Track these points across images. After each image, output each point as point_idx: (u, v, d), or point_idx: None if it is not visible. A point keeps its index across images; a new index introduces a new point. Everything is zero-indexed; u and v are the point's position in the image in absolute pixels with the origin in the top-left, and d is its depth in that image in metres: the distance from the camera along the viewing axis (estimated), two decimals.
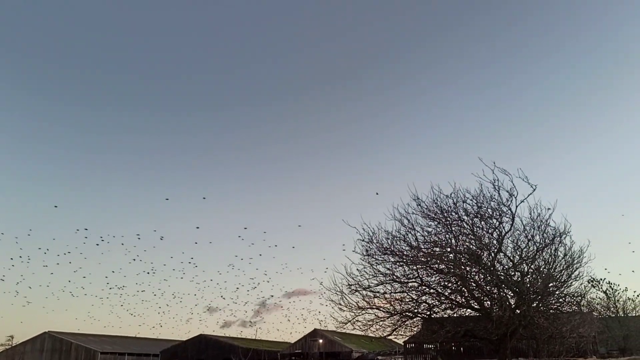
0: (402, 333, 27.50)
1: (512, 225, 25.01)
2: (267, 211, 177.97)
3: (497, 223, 25.13)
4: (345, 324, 25.93)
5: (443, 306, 26.46)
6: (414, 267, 25.71)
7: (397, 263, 26.11)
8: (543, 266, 25.29)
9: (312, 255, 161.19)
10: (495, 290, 25.37)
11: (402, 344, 71.45)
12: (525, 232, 25.40)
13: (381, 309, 25.95)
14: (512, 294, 25.45)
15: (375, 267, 26.20)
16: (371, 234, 26.40)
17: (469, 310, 26.61)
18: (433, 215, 26.08)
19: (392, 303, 26.09)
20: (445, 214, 25.92)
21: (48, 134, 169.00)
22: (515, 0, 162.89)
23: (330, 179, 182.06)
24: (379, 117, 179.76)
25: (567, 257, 25.66)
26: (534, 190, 24.12)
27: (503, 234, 25.13)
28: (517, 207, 24.61)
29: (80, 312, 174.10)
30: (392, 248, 26.11)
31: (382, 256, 26.36)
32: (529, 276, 25.12)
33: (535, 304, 25.00)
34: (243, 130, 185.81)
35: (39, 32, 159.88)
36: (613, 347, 64.94)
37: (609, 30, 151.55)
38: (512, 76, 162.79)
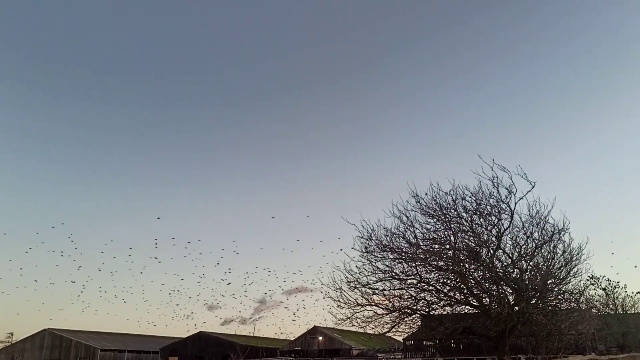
0: (402, 330, 27.57)
1: (511, 222, 25.04)
2: (266, 209, 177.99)
3: (496, 220, 25.14)
4: (344, 320, 25.98)
5: (442, 303, 26.48)
6: (413, 264, 25.72)
7: (396, 260, 26.12)
8: (542, 263, 25.30)
9: (311, 253, 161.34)
10: (494, 287, 25.39)
11: (402, 341, 71.65)
12: (524, 229, 25.43)
13: (380, 305, 25.97)
14: (510, 291, 25.47)
15: (374, 264, 26.24)
16: (370, 231, 26.45)
17: (467, 307, 26.65)
18: (432, 212, 26.08)
19: (391, 300, 26.11)
20: (444, 211, 25.92)
21: (48, 131, 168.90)
22: None
23: (329, 177, 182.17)
24: (377, 115, 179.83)
25: (566, 254, 25.69)
26: (533, 187, 24.16)
27: (502, 230, 25.13)
28: (516, 204, 24.65)
29: (80, 309, 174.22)
30: (391, 245, 26.12)
31: (381, 253, 26.38)
32: (527, 273, 25.13)
33: (534, 301, 25.03)
34: (243, 128, 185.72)
35: (39, 29, 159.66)
36: (612, 344, 65.07)
37: (609, 28, 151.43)
38: (512, 73, 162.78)
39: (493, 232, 25.31)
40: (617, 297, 65.87)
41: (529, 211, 25.26)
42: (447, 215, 25.89)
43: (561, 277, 25.92)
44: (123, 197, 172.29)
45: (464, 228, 25.70)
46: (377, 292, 26.04)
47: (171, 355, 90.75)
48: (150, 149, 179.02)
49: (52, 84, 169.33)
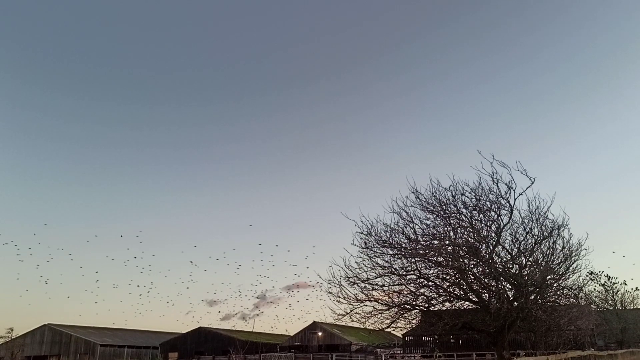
0: (401, 325, 27.55)
1: (510, 218, 25.01)
2: (265, 205, 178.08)
3: (496, 216, 25.11)
4: (344, 316, 25.99)
5: (441, 299, 26.49)
6: (413, 260, 25.70)
7: (396, 255, 26.10)
8: (541, 259, 25.32)
9: (311, 248, 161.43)
10: (493, 283, 25.40)
11: (401, 336, 71.79)
12: (524, 224, 25.42)
13: (379, 301, 25.98)
14: (510, 287, 25.49)
15: (373, 259, 26.21)
16: (370, 227, 26.42)
17: (467, 302, 26.66)
18: (432, 208, 26.04)
19: (391, 295, 26.13)
20: (444, 207, 25.88)
21: (46, 128, 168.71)
22: None
23: (329, 172, 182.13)
24: (377, 110, 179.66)
25: (565, 249, 25.70)
26: (533, 182, 24.13)
27: (501, 226, 25.12)
28: (515, 199, 24.61)
29: (79, 304, 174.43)
30: (391, 241, 26.10)
31: (381, 249, 26.35)
32: (527, 269, 25.13)
33: (533, 297, 25.06)
34: (240, 124, 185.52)
35: (36, 25, 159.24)
36: (611, 339, 65.25)
37: (609, 23, 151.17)
38: (512, 68, 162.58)
39: (492, 228, 25.30)
40: (616, 293, 66.02)
41: (529, 207, 25.29)
42: (447, 211, 25.86)
43: (560, 273, 25.95)
44: (124, 191, 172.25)
45: (463, 224, 25.67)
46: (376, 287, 26.06)
47: (171, 351, 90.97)
48: (146, 145, 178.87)
49: (49, 78, 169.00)
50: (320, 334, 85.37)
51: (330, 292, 26.10)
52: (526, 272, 24.92)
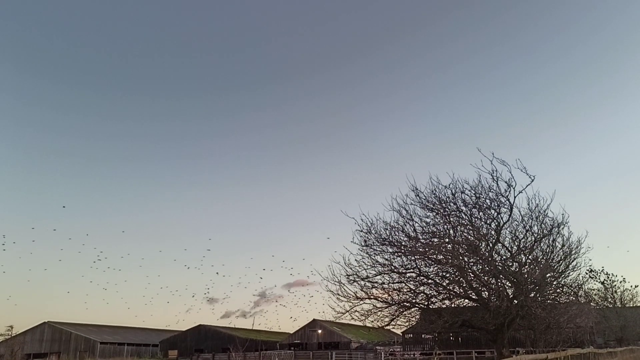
0: (400, 323, 27.59)
1: (510, 215, 25.07)
2: (265, 202, 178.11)
3: (496, 214, 25.16)
4: (344, 314, 26.03)
5: (441, 296, 26.54)
6: (412, 258, 25.75)
7: (396, 253, 26.15)
8: (541, 257, 25.37)
9: (311, 247, 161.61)
10: (493, 281, 25.42)
11: (401, 334, 71.85)
12: (524, 222, 25.48)
13: (379, 299, 26.04)
14: (509, 285, 25.53)
15: (373, 257, 26.27)
16: (369, 225, 26.45)
17: (466, 300, 26.71)
18: (431, 205, 26.08)
19: (390, 293, 26.18)
20: (444, 205, 25.92)
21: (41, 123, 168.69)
22: None
23: (328, 169, 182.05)
24: (375, 106, 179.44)
25: (565, 247, 25.77)
26: (533, 181, 24.15)
27: (501, 224, 25.15)
28: (515, 197, 24.66)
29: (79, 302, 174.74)
30: (391, 238, 26.14)
31: (381, 247, 26.40)
32: (526, 266, 25.18)
33: (532, 294, 25.10)
34: (238, 119, 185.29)
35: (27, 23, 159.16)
36: (610, 337, 65.27)
37: (608, 17, 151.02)
38: (509, 65, 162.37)
39: (492, 226, 25.34)
40: (615, 291, 66.05)
41: (528, 205, 25.35)
42: (447, 209, 25.90)
43: (560, 271, 26.01)
44: (120, 189, 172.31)
45: (463, 222, 25.71)
46: (376, 285, 26.11)
47: (171, 349, 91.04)
48: (146, 139, 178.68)
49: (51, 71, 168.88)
50: (320, 331, 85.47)
51: (330, 290, 26.13)
52: (526, 270, 24.96)
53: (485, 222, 25.56)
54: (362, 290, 25.86)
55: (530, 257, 25.41)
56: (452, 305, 27.52)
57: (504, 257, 25.71)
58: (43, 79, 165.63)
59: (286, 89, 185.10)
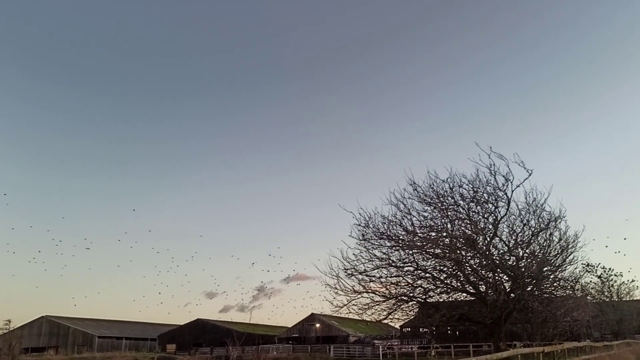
0: (398, 317, 27.72)
1: (507, 209, 25.12)
2: (265, 197, 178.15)
3: (493, 208, 25.21)
4: (341, 307, 26.14)
5: (438, 290, 26.64)
6: (410, 252, 25.82)
7: (393, 247, 26.22)
8: (538, 250, 25.46)
9: (310, 241, 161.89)
10: (490, 275, 25.54)
11: (399, 328, 72.12)
12: (521, 216, 25.54)
13: (377, 293, 26.13)
14: (507, 278, 25.64)
15: (371, 251, 26.34)
16: (367, 219, 26.50)
17: (464, 294, 26.82)
18: (429, 200, 26.12)
19: (388, 287, 26.27)
20: (442, 199, 25.97)
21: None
22: None
23: (327, 164, 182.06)
24: (374, 102, 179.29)
25: (562, 241, 25.87)
26: (530, 175, 24.21)
27: (499, 218, 25.22)
28: (512, 191, 24.71)
29: (78, 296, 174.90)
30: (389, 232, 26.21)
31: (378, 241, 26.47)
32: (524, 260, 25.27)
33: (529, 288, 25.22)
34: (235, 117, 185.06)
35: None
36: (607, 331, 65.61)
37: (607, 15, 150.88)
38: (508, 60, 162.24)
39: (490, 220, 25.42)
40: (612, 285, 66.34)
41: (526, 199, 25.41)
42: (444, 203, 25.96)
43: (557, 265, 26.11)
44: (117, 181, 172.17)
45: (460, 216, 25.78)
46: (374, 279, 26.20)
47: (169, 342, 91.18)
48: (137, 139, 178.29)
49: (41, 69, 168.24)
50: (318, 325, 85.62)
51: (328, 284, 26.21)
52: (523, 264, 25.06)
53: (483, 216, 25.64)
54: (359, 284, 25.98)
55: (527, 251, 25.51)
56: (450, 299, 27.64)
57: (502, 251, 25.82)
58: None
59: (285, 89, 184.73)
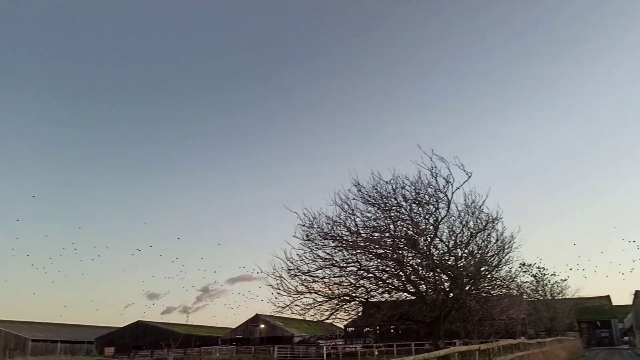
0: (341, 317, 27.79)
1: (447, 211, 25.63)
2: (209, 196, 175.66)
3: (434, 209, 25.68)
4: (284, 308, 25.96)
5: (380, 290, 26.90)
6: (353, 252, 25.97)
7: (337, 248, 26.27)
8: (476, 251, 26.12)
9: (255, 241, 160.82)
10: (430, 274, 26.01)
11: (343, 328, 72.64)
12: (460, 218, 26.10)
13: (319, 293, 26.13)
14: (446, 278, 26.18)
15: (315, 251, 26.27)
16: (312, 219, 26.45)
17: (405, 293, 27.20)
18: (373, 200, 26.34)
19: (331, 287, 26.32)
20: (385, 200, 26.24)
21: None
22: None
23: (272, 165, 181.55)
24: (322, 105, 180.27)
25: (499, 242, 26.62)
26: (469, 177, 24.82)
27: (439, 219, 25.72)
28: (453, 193, 25.24)
29: (10, 297, 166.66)
30: (332, 233, 26.25)
31: (322, 241, 26.45)
32: (462, 260, 25.88)
33: (467, 287, 25.84)
34: (186, 122, 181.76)
35: None
36: (541, 328, 68.45)
37: (537, 18, 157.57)
38: (448, 61, 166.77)
39: (431, 221, 25.87)
40: (546, 284, 69.26)
41: (465, 201, 25.98)
42: (387, 204, 26.23)
43: (494, 264, 26.87)
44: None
45: (403, 217, 26.12)
46: (317, 279, 26.18)
47: (107, 346, 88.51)
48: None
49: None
50: (262, 326, 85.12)
51: (270, 285, 26.00)
52: (461, 264, 25.66)
53: (424, 217, 26.07)
54: (302, 284, 25.88)
55: (466, 251, 26.12)
56: (391, 299, 27.99)
57: (442, 251, 26.32)
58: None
59: (230, 92, 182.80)
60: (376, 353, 57.54)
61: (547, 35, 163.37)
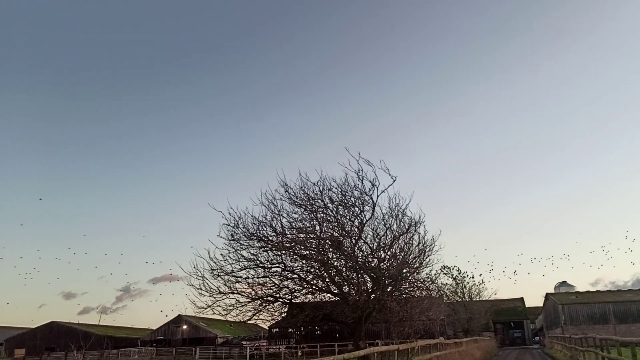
0: (264, 317, 27.64)
1: (372, 214, 26.08)
2: (130, 196, 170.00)
3: (359, 211, 26.05)
4: (205, 309, 25.44)
5: (304, 291, 26.97)
6: (278, 253, 25.86)
7: (262, 248, 26.08)
8: (399, 253, 26.70)
9: (178, 241, 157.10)
10: (354, 276, 26.33)
11: (267, 328, 72.24)
12: (384, 220, 26.63)
13: (243, 293, 25.84)
14: (369, 279, 26.58)
15: (239, 252, 25.97)
16: (237, 219, 26.10)
17: (328, 294, 27.40)
18: (300, 202, 26.36)
19: (254, 288, 26.10)
20: (312, 201, 26.32)
21: None
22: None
23: (199, 164, 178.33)
24: (253, 106, 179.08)
25: (421, 245, 27.36)
26: (394, 181, 25.34)
27: (364, 221, 26.10)
28: (378, 196, 25.71)
29: None
30: (258, 233, 26.03)
31: (248, 241, 26.17)
32: (385, 262, 26.37)
33: (389, 289, 26.37)
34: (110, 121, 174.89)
35: None
36: (458, 328, 71.14)
37: (459, 16, 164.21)
38: (369, 68, 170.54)
39: (356, 223, 26.20)
40: (465, 286, 72.16)
41: (389, 204, 26.54)
42: (314, 206, 26.33)
43: (415, 266, 27.57)
44: None
45: (329, 218, 26.31)
46: (240, 280, 25.87)
47: (18, 347, 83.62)
48: None
49: None
50: (185, 327, 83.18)
51: (192, 285, 25.39)
52: (384, 266, 26.15)
53: (350, 220, 26.37)
54: (225, 284, 25.50)
55: (389, 253, 26.66)
56: (315, 300, 28.11)
57: (366, 253, 26.73)
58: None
59: (159, 90, 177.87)
60: (299, 354, 57.60)
61: (468, 41, 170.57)
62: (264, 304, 26.27)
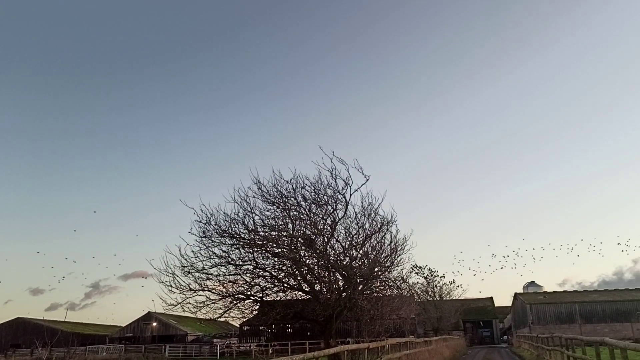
0: (234, 315, 27.40)
1: (345, 212, 26.13)
2: (103, 192, 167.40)
3: (332, 210, 26.08)
4: (175, 306, 25.10)
5: (276, 289, 26.89)
6: (250, 250, 25.74)
7: (234, 245, 25.92)
8: (370, 252, 26.84)
9: (150, 237, 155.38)
10: (326, 274, 26.37)
11: (238, 326, 71.96)
12: (357, 219, 26.71)
13: (213, 291, 25.63)
14: (341, 278, 26.66)
15: (210, 249, 25.76)
16: (209, 216, 25.87)
17: (300, 292, 27.39)
18: (273, 199, 26.28)
19: (225, 285, 25.91)
20: (285, 199, 26.27)
21: None
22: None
23: (171, 161, 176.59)
24: (226, 104, 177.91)
25: (392, 244, 27.56)
26: (367, 180, 25.44)
27: (337, 220, 26.15)
28: (351, 195, 25.78)
29: None
30: (230, 230, 25.85)
31: (219, 238, 25.96)
32: (357, 261, 26.49)
33: (360, 287, 26.49)
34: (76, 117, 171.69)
35: None
36: (429, 327, 72.00)
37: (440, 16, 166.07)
38: (347, 67, 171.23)
39: (328, 222, 26.24)
40: (435, 285, 73.03)
41: (362, 203, 26.63)
42: (287, 203, 26.27)
43: (387, 265, 27.75)
44: None
45: (302, 216, 26.28)
46: (211, 277, 25.64)
47: None
48: None
49: None
50: (154, 324, 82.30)
51: (162, 282, 25.08)
52: (356, 264, 26.26)
53: (323, 218, 26.40)
54: (196, 282, 25.26)
55: (361, 252, 26.77)
56: (286, 298, 28.07)
57: (338, 251, 26.79)
58: None
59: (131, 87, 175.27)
60: (270, 352, 57.48)
61: (446, 41, 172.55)
62: (235, 302, 26.11)
